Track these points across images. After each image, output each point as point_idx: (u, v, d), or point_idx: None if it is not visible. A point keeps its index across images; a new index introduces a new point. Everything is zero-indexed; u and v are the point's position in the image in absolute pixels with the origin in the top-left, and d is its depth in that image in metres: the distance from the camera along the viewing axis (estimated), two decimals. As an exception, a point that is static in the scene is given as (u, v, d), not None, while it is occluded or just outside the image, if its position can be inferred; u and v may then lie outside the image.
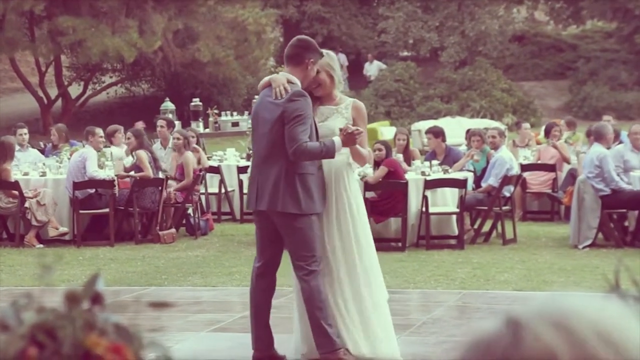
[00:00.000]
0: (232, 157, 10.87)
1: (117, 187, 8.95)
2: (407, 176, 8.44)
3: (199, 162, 9.60)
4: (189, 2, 18.29)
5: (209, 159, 10.38)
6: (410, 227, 8.36)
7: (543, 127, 12.06)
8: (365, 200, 8.12)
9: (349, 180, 4.66)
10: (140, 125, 11.99)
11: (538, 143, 11.16)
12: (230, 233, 9.53)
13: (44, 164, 9.57)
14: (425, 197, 8.29)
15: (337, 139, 4.50)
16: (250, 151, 10.78)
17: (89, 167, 8.88)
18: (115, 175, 9.09)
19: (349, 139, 4.49)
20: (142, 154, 9.05)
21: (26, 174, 9.28)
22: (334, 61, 4.73)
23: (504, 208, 8.67)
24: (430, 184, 8.37)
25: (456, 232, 8.49)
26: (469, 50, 21.33)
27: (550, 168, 10.11)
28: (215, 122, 14.21)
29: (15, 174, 9.10)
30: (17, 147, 9.54)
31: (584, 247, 8.20)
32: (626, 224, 8.62)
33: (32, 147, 10.66)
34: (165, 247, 8.73)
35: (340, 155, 4.58)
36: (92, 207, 8.92)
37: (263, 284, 4.61)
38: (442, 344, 5.09)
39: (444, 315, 5.85)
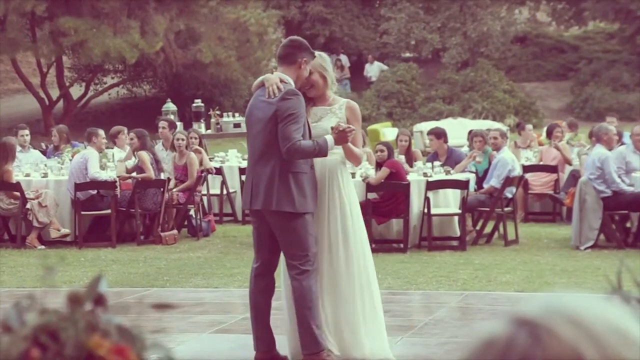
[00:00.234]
0: (233, 158, 10.87)
1: (118, 188, 8.95)
2: (409, 177, 8.44)
3: (201, 164, 9.61)
4: (190, 3, 18.30)
5: (210, 160, 10.38)
6: (412, 229, 8.36)
7: (545, 128, 12.05)
8: (367, 201, 8.14)
9: (343, 179, 4.66)
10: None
11: (540, 144, 11.16)
12: (232, 234, 9.53)
13: (45, 165, 9.57)
14: (427, 199, 8.29)
15: (329, 137, 4.51)
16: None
17: (90, 168, 8.88)
18: (117, 177, 9.09)
19: (341, 136, 4.50)
20: (144, 155, 9.05)
21: (28, 175, 9.29)
22: (326, 62, 4.75)
23: (505, 209, 8.67)
24: (432, 185, 8.37)
25: (458, 234, 8.49)
26: (471, 52, 21.32)
27: (552, 169, 10.10)
28: (217, 123, 14.22)
29: (16, 175, 9.10)
30: (18, 148, 9.55)
31: (585, 249, 8.20)
32: (628, 225, 8.61)
33: (34, 148, 10.66)
34: (167, 249, 8.73)
35: (334, 155, 4.59)
36: (94, 208, 8.92)
37: (262, 285, 4.61)
38: (444, 345, 5.08)
39: (446, 316, 5.85)
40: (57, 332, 0.98)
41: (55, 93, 19.72)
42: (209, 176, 10.03)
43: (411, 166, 9.02)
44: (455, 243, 8.50)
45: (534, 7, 23.19)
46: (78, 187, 8.76)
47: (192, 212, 9.39)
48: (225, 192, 10.36)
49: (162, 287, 6.94)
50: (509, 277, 7.08)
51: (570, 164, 10.12)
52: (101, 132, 9.31)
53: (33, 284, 6.75)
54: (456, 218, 8.48)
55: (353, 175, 8.10)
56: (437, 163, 8.95)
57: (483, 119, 18.12)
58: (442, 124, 13.52)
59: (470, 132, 10.78)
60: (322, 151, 4.48)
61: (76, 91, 19.87)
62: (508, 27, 21.55)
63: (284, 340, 4.73)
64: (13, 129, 10.89)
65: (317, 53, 4.71)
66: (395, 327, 5.22)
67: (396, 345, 4.99)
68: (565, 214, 9.75)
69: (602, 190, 8.21)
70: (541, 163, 10.29)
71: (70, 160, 9.37)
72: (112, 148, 10.01)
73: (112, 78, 20.80)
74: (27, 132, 10.37)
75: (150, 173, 9.00)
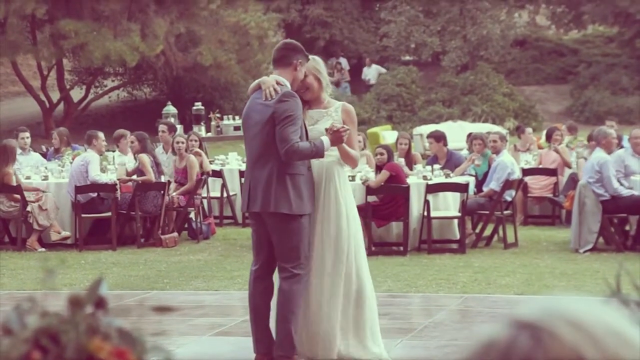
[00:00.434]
0: (234, 161, 10.89)
1: (119, 191, 8.97)
2: (409, 180, 8.45)
3: (201, 166, 9.62)
4: (191, 6, 18.33)
5: (211, 163, 10.40)
6: (411, 231, 8.37)
7: (544, 132, 12.07)
8: (367, 204, 8.15)
9: (340, 181, 4.68)
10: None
11: (540, 147, 11.18)
12: (232, 237, 9.54)
13: (46, 168, 9.58)
14: (426, 202, 8.31)
15: (325, 139, 4.54)
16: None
17: (91, 171, 8.90)
18: (117, 179, 9.10)
19: (336, 137, 4.53)
20: (145, 157, 9.06)
21: (28, 177, 9.30)
22: (320, 65, 4.77)
23: (505, 212, 8.68)
24: (432, 188, 8.38)
25: (458, 237, 8.50)
26: (471, 55, 21.35)
27: (552, 172, 10.12)
28: (218, 126, 14.24)
29: (29, 181, 9.13)
30: (19, 151, 9.56)
31: (585, 252, 8.21)
32: (627, 228, 8.62)
33: (34, 151, 10.68)
34: (168, 251, 8.74)
35: (330, 157, 4.62)
36: (94, 211, 8.93)
37: (261, 287, 4.62)
38: (443, 348, 5.09)
39: (445, 319, 5.86)
40: (58, 334, 0.99)
41: (55, 96, 19.74)
42: (210, 179, 10.05)
43: (411, 169, 9.04)
44: (454, 246, 8.51)
45: (533, 11, 23.22)
46: (78, 189, 8.77)
47: (192, 215, 9.40)
48: (225, 194, 10.38)
49: (162, 289, 6.95)
50: (508, 280, 7.09)
51: (569, 167, 10.13)
52: (101, 134, 9.32)
53: (33, 287, 6.76)
54: (456, 221, 8.49)
55: (353, 178, 8.13)
56: (436, 166, 8.97)
57: (483, 122, 18.15)
58: (442, 127, 13.54)
59: (469, 135, 10.80)
60: (319, 152, 4.51)
61: (77, 94, 19.89)
62: (508, 30, 21.58)
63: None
64: (13, 132, 10.90)
65: (310, 56, 4.74)
66: (394, 330, 5.22)
67: (396, 347, 5.00)
68: (565, 217, 9.76)
69: (601, 194, 8.23)
70: (540, 166, 10.30)
71: (71, 163, 9.38)
72: (114, 151, 10.02)
73: (113, 81, 20.82)
74: (27, 134, 10.38)
75: (151, 176, 9.02)
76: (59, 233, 8.94)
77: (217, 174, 10.31)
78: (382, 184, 8.24)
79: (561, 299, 0.80)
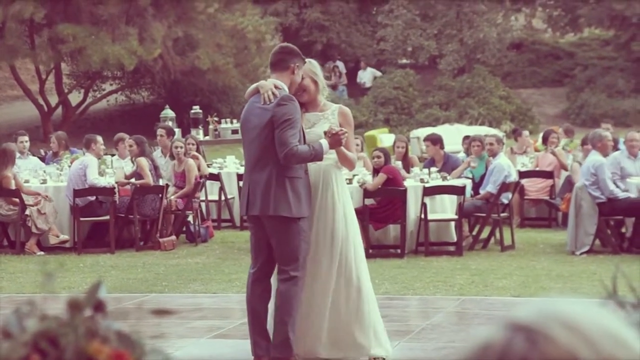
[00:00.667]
0: (232, 165, 10.91)
1: (117, 194, 8.99)
2: (406, 183, 8.48)
3: (198, 169, 9.64)
4: (188, 10, 18.35)
5: (208, 167, 10.42)
6: (409, 234, 8.40)
7: (541, 135, 12.12)
8: (365, 207, 8.17)
9: (338, 184, 4.71)
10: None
11: (536, 150, 11.21)
12: (230, 240, 9.56)
13: (44, 172, 9.60)
14: (424, 204, 8.33)
15: (324, 142, 4.57)
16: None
17: (89, 175, 8.92)
18: (116, 183, 9.12)
19: (335, 140, 4.57)
20: (143, 161, 9.09)
21: (27, 181, 9.32)
22: (317, 68, 4.81)
23: (502, 215, 8.71)
24: (429, 191, 8.41)
25: (455, 239, 8.53)
26: (467, 58, 21.38)
27: (548, 175, 10.15)
28: (215, 130, 14.26)
29: (28, 185, 9.15)
30: (17, 155, 9.58)
31: (581, 254, 8.24)
32: (623, 230, 8.66)
33: (33, 155, 10.69)
34: (166, 254, 8.76)
35: (328, 159, 4.65)
36: (93, 214, 8.95)
37: (259, 290, 4.65)
38: (441, 350, 5.12)
39: (443, 321, 5.88)
40: (57, 338, 1.01)
41: (54, 100, 19.74)
42: (207, 182, 10.07)
43: (408, 172, 9.06)
44: (452, 248, 8.54)
45: (529, 14, 23.26)
46: (77, 193, 8.79)
47: (190, 218, 9.42)
48: (223, 198, 10.40)
49: (160, 292, 6.97)
50: (505, 282, 7.12)
51: (566, 170, 10.16)
52: (99, 138, 9.34)
53: (32, 290, 6.78)
54: (453, 223, 8.52)
55: (350, 181, 8.16)
56: (433, 169, 9.00)
57: (479, 125, 18.17)
58: (439, 130, 13.57)
59: (465, 137, 10.83)
60: (317, 155, 4.54)
61: (75, 98, 19.90)
62: (504, 33, 21.62)
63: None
64: (12, 136, 10.92)
65: (306, 59, 4.77)
66: (392, 332, 5.24)
67: (393, 350, 5.02)
68: (561, 219, 9.79)
69: (597, 196, 8.26)
70: (537, 169, 10.33)
71: (69, 166, 9.40)
72: (114, 155, 10.04)
73: (111, 85, 20.83)
74: (26, 138, 10.40)
75: (149, 179, 9.04)
76: (58, 237, 8.96)
77: (215, 177, 10.33)
78: (380, 186, 8.26)
79: (557, 301, 0.81)
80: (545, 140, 10.72)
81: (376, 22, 22.30)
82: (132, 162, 9.45)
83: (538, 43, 22.91)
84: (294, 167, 4.53)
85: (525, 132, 11.68)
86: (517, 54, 22.47)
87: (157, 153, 10.01)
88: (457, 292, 6.76)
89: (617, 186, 8.35)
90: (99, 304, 1.08)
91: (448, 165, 9.27)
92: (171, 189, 9.38)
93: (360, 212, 7.22)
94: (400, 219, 8.25)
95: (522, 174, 10.00)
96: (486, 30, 21.12)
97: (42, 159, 10.73)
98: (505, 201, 8.84)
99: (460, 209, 8.37)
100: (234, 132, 13.95)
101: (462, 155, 10.20)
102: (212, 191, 10.38)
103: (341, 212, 4.67)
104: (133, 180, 9.14)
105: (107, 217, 8.89)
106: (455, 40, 21.30)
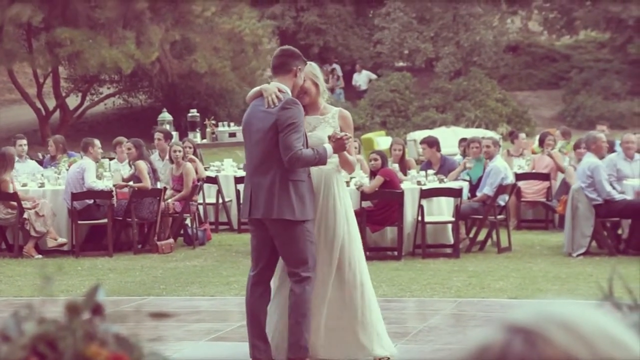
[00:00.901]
0: (229, 168, 10.92)
1: (115, 197, 9.00)
2: (403, 186, 8.51)
3: (196, 172, 9.66)
4: (186, 13, 18.38)
5: (206, 170, 10.44)
6: (406, 236, 8.42)
7: (537, 137, 12.15)
8: (362, 209, 8.19)
9: (339, 187, 4.73)
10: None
11: (533, 152, 11.24)
12: (228, 243, 9.57)
13: (42, 175, 9.61)
14: (421, 207, 8.36)
15: (328, 146, 4.59)
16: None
17: (87, 178, 8.93)
18: (113, 185, 9.14)
19: (339, 144, 4.60)
20: (142, 164, 9.11)
21: (24, 185, 9.33)
22: (317, 70, 4.83)
23: (498, 217, 8.74)
24: (426, 194, 8.43)
25: (452, 241, 8.55)
26: (464, 61, 21.42)
27: (545, 177, 10.18)
28: (213, 133, 14.27)
29: (24, 187, 9.16)
30: (16, 158, 9.59)
31: (577, 255, 8.27)
32: (619, 232, 8.68)
33: (31, 159, 10.70)
34: (164, 257, 8.77)
35: (329, 163, 4.67)
36: (91, 217, 8.96)
37: (258, 292, 4.66)
38: (438, 352, 5.13)
39: (440, 323, 5.90)
40: (55, 341, 1.02)
41: (51, 103, 19.75)
42: (205, 185, 10.09)
43: (405, 175, 9.09)
44: (448, 250, 8.56)
45: (526, 17, 23.31)
46: (75, 196, 8.81)
47: (188, 221, 9.44)
48: (220, 201, 10.41)
49: (158, 295, 6.98)
50: (502, 284, 7.14)
51: (562, 172, 10.20)
52: (97, 142, 9.35)
53: (31, 293, 6.78)
54: (450, 226, 8.54)
55: (347, 183, 8.18)
56: (430, 171, 9.02)
57: (476, 127, 18.20)
58: (436, 132, 13.58)
59: (462, 140, 10.85)
60: (322, 159, 4.55)
61: (72, 101, 19.91)
62: (500, 36, 21.67)
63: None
64: (10, 139, 10.93)
65: (307, 62, 4.79)
66: (389, 334, 5.26)
67: (390, 351, 5.04)
68: (558, 221, 9.82)
69: (593, 198, 8.29)
70: (534, 171, 10.37)
71: (67, 170, 9.41)
72: (113, 158, 10.05)
73: (108, 88, 20.84)
74: (25, 142, 10.41)
75: (147, 183, 9.05)
76: (56, 240, 8.96)
77: (213, 180, 10.34)
78: (377, 189, 8.28)
79: (554, 303, 0.82)
80: (541, 142, 10.75)
81: (373, 25, 22.33)
82: (130, 165, 9.46)
83: (534, 46, 22.96)
84: (297, 170, 4.53)
85: (522, 135, 11.71)
86: (513, 56, 22.51)
87: (154, 156, 10.02)
88: (454, 294, 6.78)
89: (614, 188, 8.37)
90: (97, 307, 1.10)
91: (445, 167, 9.29)
92: (169, 192, 9.40)
93: (357, 215, 7.19)
94: (398, 222, 8.27)
95: (519, 176, 10.03)
96: (482, 33, 21.17)
97: (40, 163, 10.74)
98: (502, 203, 8.86)
99: (457, 211, 8.39)
100: (231, 135, 13.97)
101: (458, 157, 10.23)
102: (209, 194, 10.39)
103: (343, 215, 4.69)
104: (131, 183, 9.16)
105: (105, 221, 8.90)
106: (452, 43, 21.35)
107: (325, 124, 4.73)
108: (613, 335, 0.80)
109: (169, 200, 9.28)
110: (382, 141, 15.68)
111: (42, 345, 1.04)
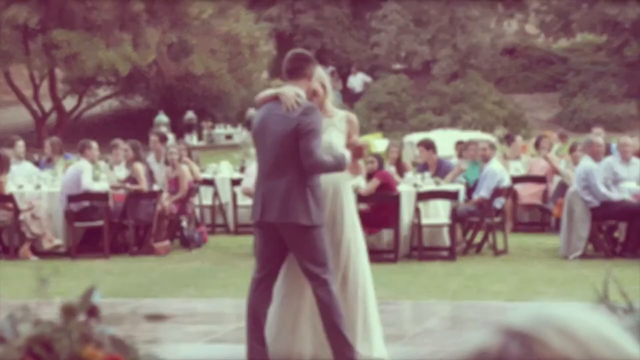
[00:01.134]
0: (225, 170, 10.93)
1: (111, 199, 8.99)
2: (399, 188, 8.51)
3: (192, 174, 9.67)
4: (182, 16, 18.38)
5: (202, 172, 10.44)
6: (402, 239, 8.42)
7: (533, 140, 12.17)
8: (358, 212, 8.18)
9: (346, 192, 4.77)
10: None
11: (524, 152, 11.25)
12: (224, 245, 9.57)
13: (38, 177, 9.60)
14: (417, 209, 8.36)
15: (347, 153, 4.61)
16: (244, 163, 10.86)
17: (83, 180, 8.92)
18: (110, 187, 9.13)
19: (358, 152, 4.65)
20: (139, 166, 9.11)
21: (21, 186, 9.31)
22: (322, 72, 4.86)
23: (495, 219, 8.74)
24: (422, 196, 8.44)
25: (448, 244, 8.55)
26: (461, 63, 21.45)
27: (541, 180, 10.20)
28: (209, 135, 14.26)
29: (19, 189, 9.14)
30: (13, 160, 9.57)
31: (574, 258, 8.28)
32: (616, 234, 8.70)
33: (27, 160, 10.68)
34: (160, 259, 8.76)
35: None
36: (87, 219, 8.95)
37: (263, 296, 4.63)
38: (434, 355, 5.14)
39: (436, 326, 5.91)
40: (51, 342, 1.02)
41: (48, 105, 19.74)
42: (201, 187, 10.09)
43: (401, 177, 9.09)
44: (445, 253, 8.56)
45: (522, 19, 23.35)
46: (71, 198, 8.80)
47: (184, 223, 9.43)
48: (217, 203, 10.41)
49: (155, 297, 6.97)
50: (498, 286, 7.15)
51: (558, 174, 10.21)
52: (94, 144, 9.34)
53: (26, 295, 6.75)
54: (446, 228, 8.55)
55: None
56: (427, 174, 9.03)
57: (473, 130, 18.22)
58: (432, 135, 13.59)
59: (458, 143, 10.87)
60: (341, 166, 4.56)
61: (69, 103, 19.89)
62: (497, 39, 21.71)
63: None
64: (6, 141, 10.90)
65: None
66: (386, 337, 5.26)
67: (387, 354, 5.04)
68: (554, 224, 9.83)
69: (590, 201, 8.31)
70: (530, 174, 10.38)
71: (64, 172, 9.40)
72: (108, 161, 10.04)
73: (105, 90, 20.83)
74: (22, 143, 10.41)
75: (144, 185, 9.05)
76: (52, 241, 8.95)
77: (209, 182, 10.35)
78: (373, 191, 8.29)
79: (550, 306, 0.82)
80: (537, 145, 10.78)
81: (370, 27, 22.36)
82: (126, 167, 9.46)
83: (531, 48, 23.00)
84: (314, 175, 4.54)
85: (519, 138, 11.73)
86: (510, 59, 22.55)
87: (150, 158, 10.03)
88: (451, 297, 6.78)
89: (610, 190, 8.39)
90: (93, 309, 1.10)
91: (441, 170, 9.30)
92: (164, 195, 9.39)
93: (354, 217, 7.24)
94: (394, 224, 8.27)
95: (515, 179, 10.04)
96: (479, 36, 21.20)
97: (37, 164, 10.73)
98: (499, 206, 8.87)
99: (454, 214, 8.40)
100: (228, 137, 13.99)
101: (455, 160, 10.24)
102: (206, 196, 10.39)
103: (349, 219, 4.73)
104: (127, 185, 9.15)
105: (102, 222, 8.89)
106: (449, 45, 21.37)
107: (332, 127, 4.74)
108: (609, 338, 0.81)
109: (165, 202, 9.28)
110: (378, 143, 15.67)
111: (38, 346, 1.04)
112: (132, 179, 9.16)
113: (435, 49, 21.47)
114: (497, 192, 8.71)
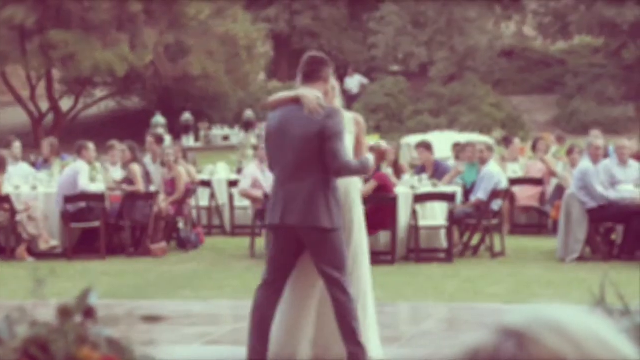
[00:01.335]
0: (222, 171, 10.92)
1: (108, 200, 8.98)
2: (397, 190, 8.51)
3: (188, 176, 9.66)
4: (180, 17, 18.38)
5: (199, 173, 10.44)
6: (399, 241, 8.41)
7: (530, 142, 12.19)
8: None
9: (356, 196, 4.82)
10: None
11: (521, 154, 11.26)
12: (221, 246, 9.55)
13: (35, 178, 9.58)
14: (414, 211, 8.36)
15: (370, 156, 4.65)
16: (242, 165, 10.86)
17: (80, 181, 8.91)
18: (107, 188, 9.11)
19: (382, 156, 4.68)
20: (136, 167, 9.09)
21: (17, 187, 9.29)
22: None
23: (492, 222, 8.74)
24: (420, 198, 8.44)
25: (445, 246, 8.55)
26: (458, 65, 21.47)
27: (538, 182, 10.20)
28: (206, 136, 14.25)
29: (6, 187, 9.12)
30: (9, 161, 9.55)
31: (571, 261, 8.28)
32: (613, 237, 8.70)
33: (24, 161, 10.66)
34: (157, 261, 8.75)
35: None
36: (84, 220, 8.94)
37: (273, 299, 4.60)
38: (431, 357, 5.13)
39: (433, 328, 5.90)
40: (47, 344, 1.02)
41: (45, 106, 19.72)
42: (198, 188, 10.08)
43: (399, 179, 9.09)
44: (442, 255, 8.56)
45: (520, 21, 23.38)
46: (67, 199, 8.78)
47: (181, 225, 9.42)
48: (214, 204, 10.41)
49: (151, 299, 6.96)
50: (495, 288, 7.15)
51: (555, 176, 10.22)
52: (91, 145, 9.33)
53: (22, 296, 6.75)
54: (443, 230, 8.55)
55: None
56: (424, 176, 9.03)
57: (470, 132, 18.23)
58: (430, 137, 13.60)
59: (455, 145, 10.87)
60: (365, 170, 4.59)
61: (66, 104, 19.87)
62: (495, 41, 21.73)
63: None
64: (2, 142, 10.88)
65: None
66: (382, 339, 5.25)
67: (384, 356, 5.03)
68: (551, 226, 9.83)
69: (587, 202, 8.32)
70: (527, 176, 10.39)
71: (60, 173, 9.38)
72: (106, 161, 10.03)
73: (102, 91, 20.82)
74: (19, 144, 10.39)
75: (140, 186, 9.04)
76: (48, 242, 8.93)
77: (206, 183, 10.34)
78: (370, 193, 8.28)
79: (547, 308, 0.82)
80: (534, 147, 10.78)
81: (367, 29, 22.38)
82: (123, 168, 9.44)
83: (529, 50, 23.03)
84: (339, 178, 4.55)
85: (516, 140, 11.74)
86: (507, 61, 22.57)
87: (146, 159, 10.02)
88: (448, 299, 6.78)
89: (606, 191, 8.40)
90: (89, 311, 1.09)
91: (438, 172, 9.31)
92: (161, 196, 9.38)
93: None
94: (391, 226, 8.27)
95: (513, 181, 10.05)
96: (477, 38, 21.22)
97: (33, 165, 10.71)
98: (496, 208, 8.87)
99: (451, 216, 8.40)
100: (225, 138, 13.98)
101: (452, 162, 10.24)
102: (202, 197, 10.38)
103: (358, 222, 4.76)
104: (124, 186, 9.14)
105: (98, 224, 8.87)
106: (446, 47, 21.40)
107: None
108: (603, 338, 0.81)
109: (162, 203, 9.26)
110: (376, 145, 15.65)
111: (34, 347, 1.03)
112: (129, 180, 9.14)
113: (432, 51, 21.48)
114: (495, 194, 8.71)
